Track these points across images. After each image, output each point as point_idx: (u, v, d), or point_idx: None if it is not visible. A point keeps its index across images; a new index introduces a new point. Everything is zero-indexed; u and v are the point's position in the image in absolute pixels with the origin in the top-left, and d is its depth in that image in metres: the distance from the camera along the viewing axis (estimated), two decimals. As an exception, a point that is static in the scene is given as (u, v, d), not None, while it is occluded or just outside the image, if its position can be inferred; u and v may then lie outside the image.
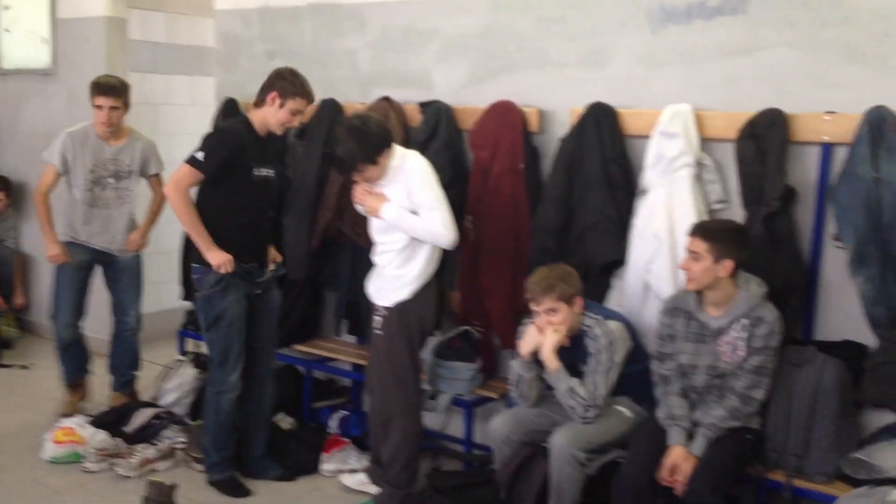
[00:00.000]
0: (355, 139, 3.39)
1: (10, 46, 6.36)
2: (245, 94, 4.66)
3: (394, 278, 3.54)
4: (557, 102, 3.90)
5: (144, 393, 4.85)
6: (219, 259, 3.70)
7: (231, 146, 3.72)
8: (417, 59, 4.35)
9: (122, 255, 4.64)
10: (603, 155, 3.66)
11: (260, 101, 3.75)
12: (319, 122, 4.47)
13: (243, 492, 3.93)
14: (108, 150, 4.52)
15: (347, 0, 4.57)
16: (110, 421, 4.42)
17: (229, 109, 4.83)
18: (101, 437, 4.25)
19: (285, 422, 4.44)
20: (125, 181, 4.58)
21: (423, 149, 3.89)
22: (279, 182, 4.00)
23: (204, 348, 4.27)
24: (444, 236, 3.44)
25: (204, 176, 3.69)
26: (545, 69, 3.96)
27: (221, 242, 3.73)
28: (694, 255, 3.16)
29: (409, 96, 4.30)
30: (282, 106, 3.69)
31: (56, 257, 4.53)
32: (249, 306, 3.88)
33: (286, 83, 3.70)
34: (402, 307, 3.53)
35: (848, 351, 3.25)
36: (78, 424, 4.29)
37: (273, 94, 3.70)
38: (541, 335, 3.37)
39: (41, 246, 4.78)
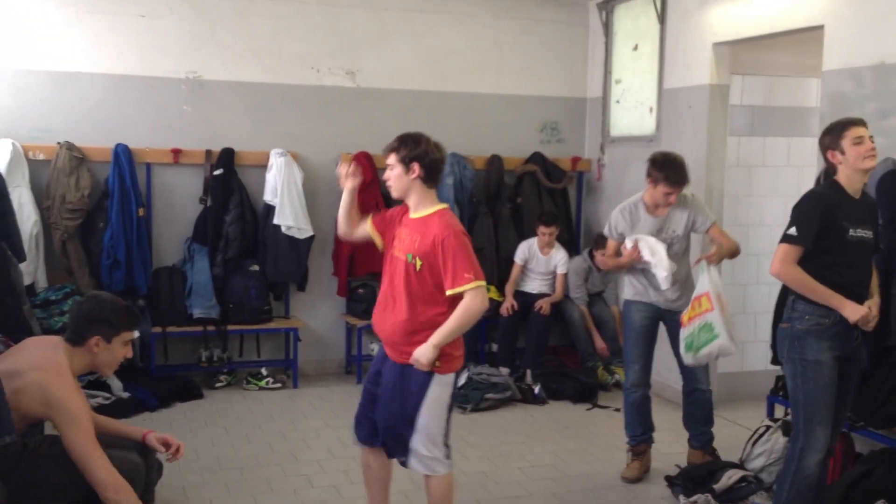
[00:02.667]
0: None
1: (619, 116, 7.06)
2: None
3: None
4: None
5: (730, 454, 4.85)
6: (857, 313, 3.59)
7: (820, 211, 3.64)
8: None
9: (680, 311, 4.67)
10: None
11: (831, 164, 3.72)
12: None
13: None
14: (652, 222, 4.68)
15: None
16: (700, 476, 4.52)
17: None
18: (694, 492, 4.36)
19: (887, 511, 4.05)
20: (676, 245, 4.70)
21: None
22: (877, 243, 3.81)
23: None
24: None
25: (803, 248, 3.64)
26: None
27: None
28: None
29: None
30: (843, 153, 3.64)
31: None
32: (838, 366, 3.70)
33: (827, 135, 3.70)
34: None
35: None
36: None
37: (830, 151, 3.68)
38: None
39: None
